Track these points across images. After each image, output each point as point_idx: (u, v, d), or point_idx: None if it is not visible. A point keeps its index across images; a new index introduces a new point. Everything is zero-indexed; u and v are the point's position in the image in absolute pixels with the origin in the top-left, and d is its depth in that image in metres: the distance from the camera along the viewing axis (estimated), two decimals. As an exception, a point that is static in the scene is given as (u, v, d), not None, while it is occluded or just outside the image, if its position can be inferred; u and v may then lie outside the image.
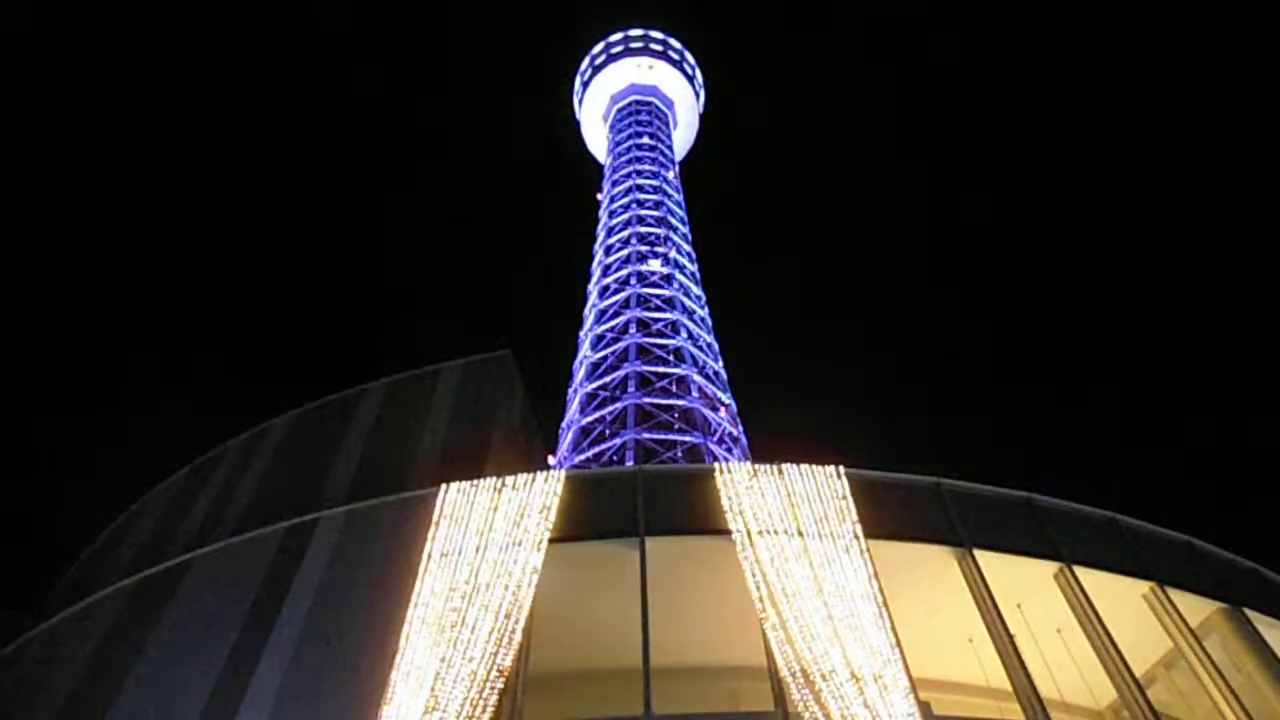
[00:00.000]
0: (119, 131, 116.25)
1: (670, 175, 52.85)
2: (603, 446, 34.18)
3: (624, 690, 13.04)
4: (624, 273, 43.41)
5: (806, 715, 12.16)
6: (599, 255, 46.69)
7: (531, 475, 15.52)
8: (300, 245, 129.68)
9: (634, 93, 58.66)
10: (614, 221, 48.10)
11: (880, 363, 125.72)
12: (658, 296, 41.62)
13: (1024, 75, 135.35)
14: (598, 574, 14.91)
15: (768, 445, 37.11)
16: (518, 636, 13.14)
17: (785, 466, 15.51)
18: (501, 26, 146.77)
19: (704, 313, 43.01)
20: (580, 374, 39.31)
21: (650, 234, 46.27)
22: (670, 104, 59.39)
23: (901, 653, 12.94)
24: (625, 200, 49.31)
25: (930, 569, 15.39)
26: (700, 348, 39.60)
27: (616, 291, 42.46)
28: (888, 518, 15.36)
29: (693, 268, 45.85)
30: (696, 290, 44.19)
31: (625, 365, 37.30)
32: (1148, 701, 13.83)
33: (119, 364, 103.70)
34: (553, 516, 14.69)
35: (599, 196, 52.61)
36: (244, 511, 20.31)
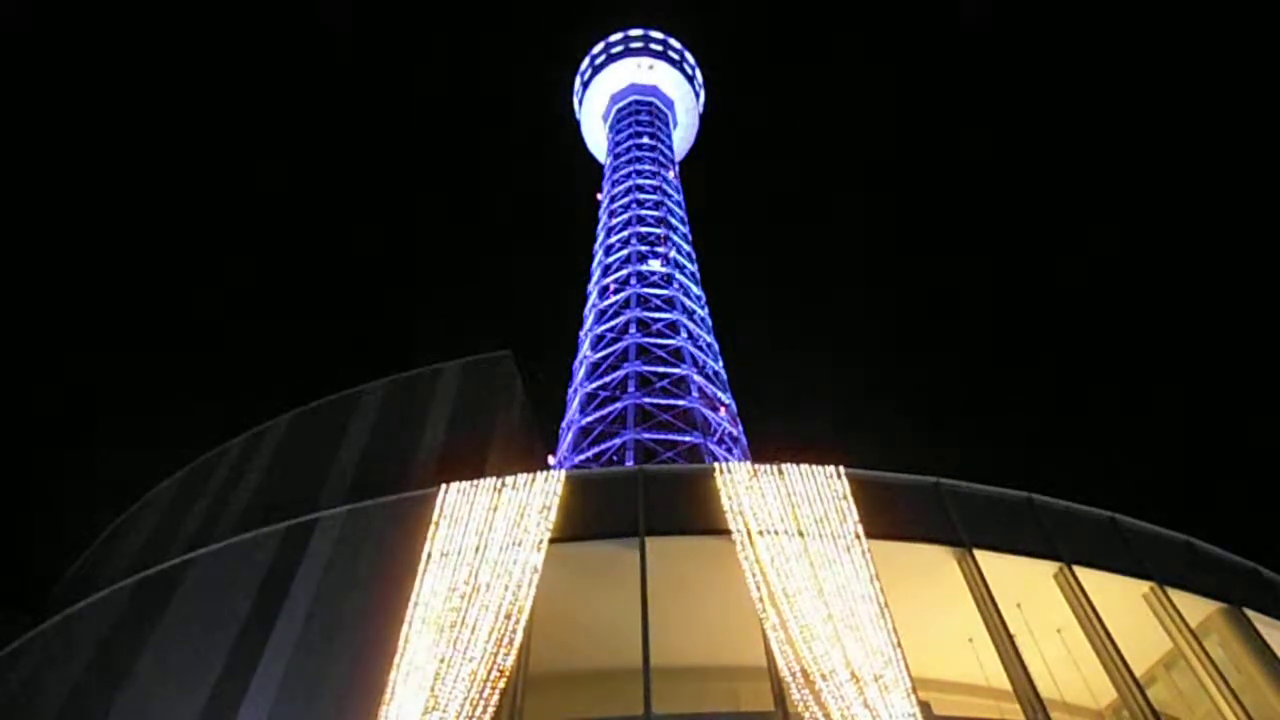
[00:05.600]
0: (119, 131, 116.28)
1: (670, 175, 52.83)
2: (603, 446, 34.14)
3: (624, 690, 13.04)
4: (624, 273, 43.40)
5: (806, 715, 12.14)
6: (599, 255, 46.68)
7: (531, 475, 15.52)
8: (301, 245, 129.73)
9: (634, 93, 58.66)
10: (614, 221, 48.07)
11: (881, 362, 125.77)
12: (658, 296, 41.61)
13: (1024, 69, 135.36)
14: (598, 574, 14.90)
15: (768, 445, 37.20)
16: (518, 636, 13.13)
17: (785, 466, 15.50)
18: (501, 26, 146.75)
19: (704, 313, 42.99)
20: (580, 374, 39.28)
21: (650, 234, 46.25)
22: (670, 104, 59.38)
23: (901, 653, 12.92)
24: (625, 200, 49.29)
25: (930, 569, 15.39)
26: (700, 348, 39.59)
27: (616, 291, 42.45)
28: (888, 518, 15.35)
29: (693, 268, 45.85)
30: (696, 290, 44.18)
31: (625, 365, 37.28)
32: (1148, 701, 13.83)
33: (120, 364, 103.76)
34: (553, 516, 14.69)
35: (599, 196, 52.60)
36: (244, 511, 20.31)
